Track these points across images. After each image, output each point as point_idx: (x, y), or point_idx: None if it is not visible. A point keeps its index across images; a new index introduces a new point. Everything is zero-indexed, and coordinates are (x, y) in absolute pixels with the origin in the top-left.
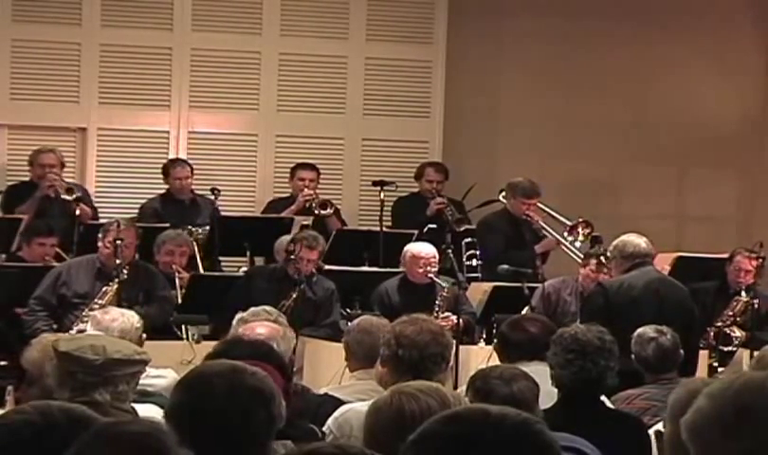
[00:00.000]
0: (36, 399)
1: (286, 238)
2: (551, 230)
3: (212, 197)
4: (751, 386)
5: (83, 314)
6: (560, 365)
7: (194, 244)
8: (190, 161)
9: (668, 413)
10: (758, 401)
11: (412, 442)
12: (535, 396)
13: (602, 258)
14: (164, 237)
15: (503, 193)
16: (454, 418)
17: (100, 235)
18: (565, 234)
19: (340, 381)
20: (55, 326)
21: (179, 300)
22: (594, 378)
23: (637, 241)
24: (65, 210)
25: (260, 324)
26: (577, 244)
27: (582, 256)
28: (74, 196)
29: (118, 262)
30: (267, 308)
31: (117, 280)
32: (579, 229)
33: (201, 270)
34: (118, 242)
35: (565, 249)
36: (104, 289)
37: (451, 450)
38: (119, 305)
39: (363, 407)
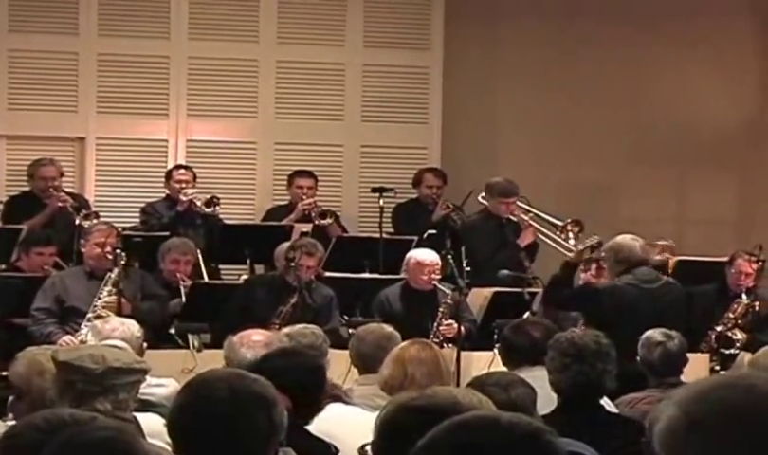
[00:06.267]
0: (27, 413)
1: (287, 245)
2: (538, 226)
3: (210, 210)
4: (701, 396)
5: (89, 316)
6: (558, 369)
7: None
8: None
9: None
10: (704, 412)
11: (421, 448)
12: (533, 402)
13: (602, 262)
14: (169, 245)
15: (483, 194)
16: (463, 425)
17: (82, 240)
18: (557, 234)
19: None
20: (67, 328)
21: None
22: (593, 382)
23: (631, 244)
24: (67, 221)
25: (256, 332)
26: (570, 243)
27: (575, 250)
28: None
29: (115, 267)
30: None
31: (113, 276)
32: (569, 228)
33: (206, 278)
34: (108, 247)
35: (550, 242)
36: (104, 289)
37: None
38: (120, 302)
39: None
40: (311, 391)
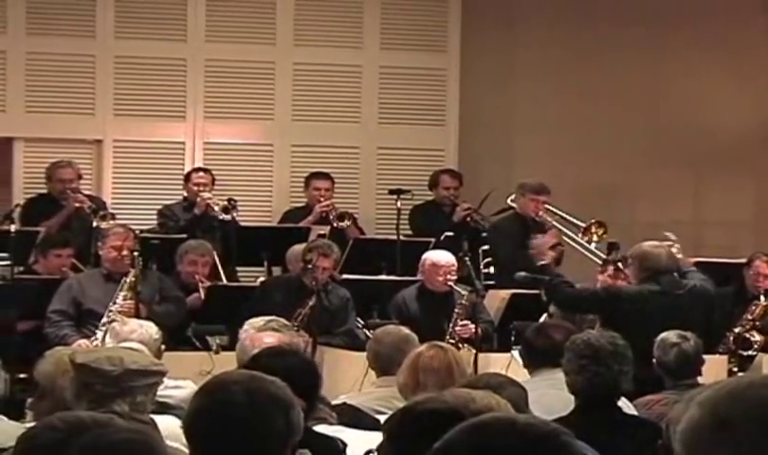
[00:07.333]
0: (48, 412)
1: (298, 247)
2: (565, 230)
3: (228, 217)
4: (733, 395)
5: (103, 321)
6: (574, 371)
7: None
8: None
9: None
10: (738, 412)
11: (437, 450)
12: (525, 402)
13: (619, 264)
14: (186, 247)
15: (513, 196)
16: (480, 427)
17: (99, 243)
18: (580, 236)
19: (360, 389)
20: (84, 331)
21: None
22: (609, 383)
23: (657, 252)
24: (84, 223)
25: (267, 334)
26: (593, 246)
27: (597, 254)
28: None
29: (132, 269)
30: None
31: (130, 279)
32: (593, 230)
33: (224, 280)
34: (125, 251)
35: (575, 245)
36: (120, 294)
37: None
38: (138, 305)
39: None
40: (307, 389)
